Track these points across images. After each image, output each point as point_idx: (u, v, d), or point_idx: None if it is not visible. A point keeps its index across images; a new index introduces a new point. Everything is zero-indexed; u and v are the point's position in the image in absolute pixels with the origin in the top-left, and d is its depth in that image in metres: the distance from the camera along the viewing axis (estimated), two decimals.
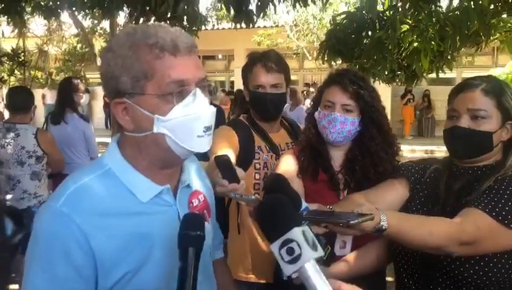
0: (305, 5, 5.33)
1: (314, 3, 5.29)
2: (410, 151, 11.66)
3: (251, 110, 2.29)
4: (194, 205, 1.24)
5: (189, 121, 1.06)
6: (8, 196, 3.60)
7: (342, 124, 1.76)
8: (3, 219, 2.72)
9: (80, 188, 1.04)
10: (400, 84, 6.04)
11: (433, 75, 5.41)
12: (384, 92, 13.37)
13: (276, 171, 1.90)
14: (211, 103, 1.15)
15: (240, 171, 1.37)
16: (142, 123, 1.07)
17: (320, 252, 0.87)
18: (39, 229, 1.03)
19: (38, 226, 1.03)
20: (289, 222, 0.88)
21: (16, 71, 8.54)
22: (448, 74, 6.08)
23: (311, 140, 1.86)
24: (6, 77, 8.11)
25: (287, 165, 1.89)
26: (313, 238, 0.88)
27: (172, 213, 1.15)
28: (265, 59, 2.15)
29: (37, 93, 14.42)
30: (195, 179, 1.31)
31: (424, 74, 5.37)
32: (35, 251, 1.02)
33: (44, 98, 14.27)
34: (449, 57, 4.90)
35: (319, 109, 1.84)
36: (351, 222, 1.18)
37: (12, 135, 3.53)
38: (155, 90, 1.04)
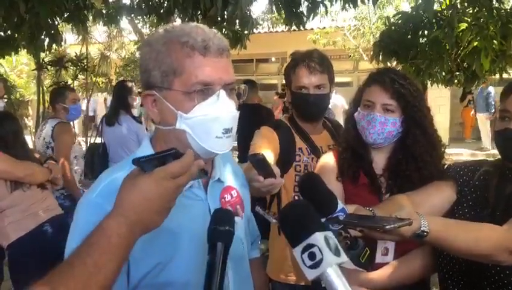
0: (355, 5, 5.23)
1: (364, 3, 5.16)
2: (471, 155, 11.08)
3: (293, 112, 2.26)
4: (226, 199, 1.25)
5: (209, 121, 1.08)
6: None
7: (381, 124, 1.68)
8: None
9: (112, 181, 1.09)
10: (458, 86, 5.74)
11: (496, 76, 5.11)
12: (443, 93, 12.87)
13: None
14: (240, 106, 1.16)
15: (275, 168, 1.36)
16: (167, 117, 1.11)
17: (343, 258, 0.85)
18: (77, 219, 1.08)
19: (77, 216, 1.09)
20: (310, 227, 0.87)
21: (79, 76, 9.00)
22: None
23: (351, 142, 1.80)
24: (70, 82, 8.57)
25: (326, 167, 1.83)
26: (336, 244, 0.87)
27: (203, 207, 1.18)
28: (308, 59, 2.11)
29: (99, 97, 15.21)
30: (229, 175, 1.33)
31: (486, 75, 5.08)
32: (73, 236, 1.06)
33: (105, 101, 15.00)
34: None
35: (358, 109, 1.78)
36: (387, 227, 1.12)
37: (43, 127, 3.91)
38: (181, 87, 1.08)
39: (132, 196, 0.87)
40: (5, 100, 4.68)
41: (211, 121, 1.08)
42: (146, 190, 0.86)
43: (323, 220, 1.19)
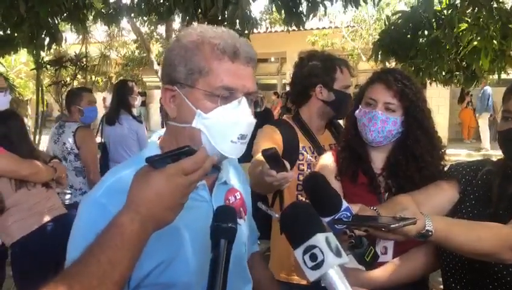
0: (357, 5, 5.22)
1: (366, 3, 5.16)
2: (469, 155, 11.12)
3: (325, 109, 2.24)
4: (231, 201, 1.26)
5: (227, 125, 1.08)
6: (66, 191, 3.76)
7: (382, 122, 1.69)
8: None
9: (118, 180, 1.09)
10: (458, 85, 5.74)
11: (495, 76, 5.12)
12: (442, 93, 12.88)
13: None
14: (256, 114, 1.17)
15: (286, 163, 1.36)
16: (185, 114, 1.11)
17: (345, 259, 0.86)
18: (79, 217, 1.09)
19: (80, 214, 1.09)
20: (312, 228, 0.88)
21: (78, 75, 8.99)
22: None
23: (350, 141, 1.81)
24: (69, 81, 8.56)
25: (325, 166, 1.85)
26: (337, 245, 0.87)
27: (207, 208, 1.18)
28: (346, 62, 2.25)
29: (98, 96, 15.19)
30: (234, 178, 1.34)
31: (485, 75, 5.09)
32: (75, 236, 1.07)
33: (104, 101, 14.97)
34: None
35: (360, 106, 1.79)
36: (392, 226, 1.12)
37: (60, 131, 3.74)
38: (205, 87, 1.08)
39: (144, 192, 0.87)
40: (10, 97, 4.68)
41: (229, 125, 1.08)
42: (157, 186, 0.86)
43: (328, 219, 1.20)
